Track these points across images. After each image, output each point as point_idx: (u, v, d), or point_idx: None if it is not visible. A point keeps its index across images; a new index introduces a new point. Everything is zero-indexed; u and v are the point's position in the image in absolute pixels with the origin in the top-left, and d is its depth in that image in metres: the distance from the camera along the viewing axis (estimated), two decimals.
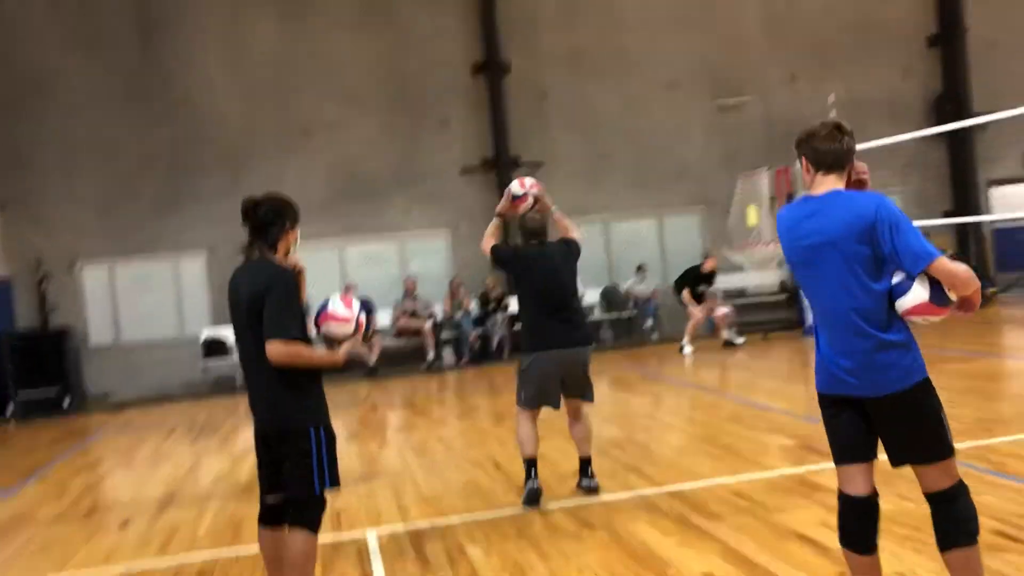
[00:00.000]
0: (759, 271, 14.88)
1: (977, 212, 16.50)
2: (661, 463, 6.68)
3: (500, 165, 15.63)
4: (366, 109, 15.49)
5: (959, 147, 16.82)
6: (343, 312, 4.06)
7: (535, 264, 5.92)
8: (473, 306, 15.02)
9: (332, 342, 4.11)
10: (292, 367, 3.81)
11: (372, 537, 5.45)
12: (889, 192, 16.36)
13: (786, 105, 16.63)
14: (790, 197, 14.63)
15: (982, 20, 16.90)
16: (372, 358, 14.17)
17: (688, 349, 13.24)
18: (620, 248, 16.32)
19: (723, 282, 15.82)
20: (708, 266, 13.61)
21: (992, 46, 17.07)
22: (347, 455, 8.10)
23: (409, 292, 14.89)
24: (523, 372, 5.85)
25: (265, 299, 3.74)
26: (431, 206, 15.80)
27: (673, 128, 16.36)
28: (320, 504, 3.96)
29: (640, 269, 15.74)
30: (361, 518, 5.93)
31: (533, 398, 5.83)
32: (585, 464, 6.05)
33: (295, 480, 3.86)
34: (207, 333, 14.51)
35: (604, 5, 16.20)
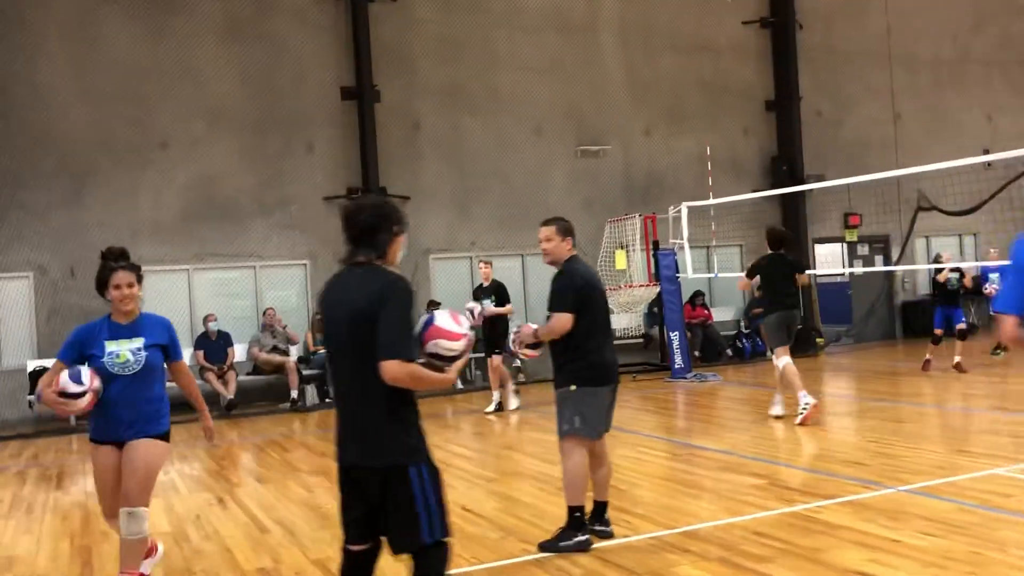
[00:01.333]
0: (626, 314, 15.13)
1: (807, 267, 17.72)
2: (644, 504, 6.45)
3: (366, 195, 15.01)
4: (230, 126, 14.40)
5: (791, 206, 18.07)
6: (455, 328, 3.49)
7: (601, 296, 5.68)
8: None
9: (439, 362, 3.51)
10: (408, 388, 3.31)
11: None
12: (732, 245, 17.28)
13: (642, 156, 17.25)
14: (656, 244, 15.11)
15: (812, 90, 18.38)
16: (228, 394, 13.02)
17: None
18: None
19: None
20: None
21: (818, 114, 18.60)
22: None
23: (269, 325, 13.87)
24: (590, 399, 5.44)
25: (380, 313, 3.27)
26: (291, 234, 14.87)
27: (538, 170, 16.44)
28: (442, 555, 3.41)
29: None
30: None
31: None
32: (603, 508, 5.72)
33: (399, 529, 3.34)
34: (34, 365, 12.76)
35: (480, 43, 16.11)
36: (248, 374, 13.76)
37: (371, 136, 15.08)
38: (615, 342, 15.68)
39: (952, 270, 13.38)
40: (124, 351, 4.74)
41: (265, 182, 14.66)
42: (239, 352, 13.77)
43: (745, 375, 14.57)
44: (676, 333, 13.98)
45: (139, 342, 4.77)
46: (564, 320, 5.38)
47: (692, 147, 17.54)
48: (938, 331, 13.34)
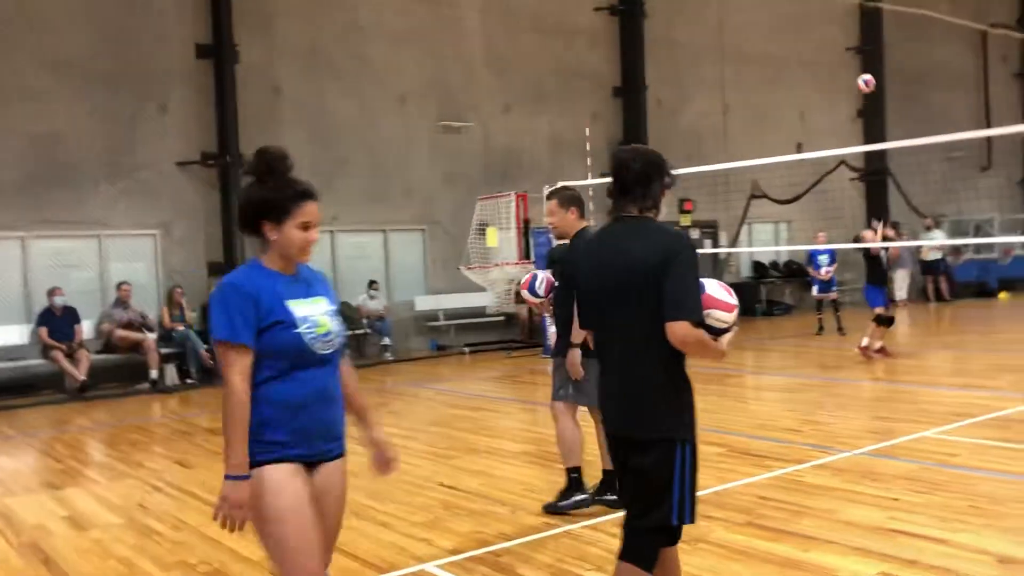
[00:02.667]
0: (494, 291, 15.15)
1: None
2: None
3: (224, 161, 14.06)
4: (77, 82, 12.96)
5: None
6: (728, 299, 3.23)
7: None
8: (194, 318, 13.26)
9: (710, 334, 3.17)
10: (684, 353, 3.10)
11: None
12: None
13: (501, 134, 17.30)
14: (527, 222, 15.22)
15: (654, 79, 19.14)
16: (81, 375, 11.82)
17: None
18: (347, 262, 15.55)
19: (460, 301, 15.98)
20: None
21: (659, 103, 19.43)
22: None
23: (123, 300, 12.68)
24: (590, 370, 5.36)
25: (667, 270, 3.02)
26: (141, 201, 13.66)
27: (403, 144, 16.08)
28: (672, 539, 3.24)
29: (372, 285, 15.16)
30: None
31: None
32: (611, 476, 5.71)
33: (648, 503, 3.15)
34: None
35: (343, 6, 15.45)
36: (98, 352, 12.53)
37: (230, 99, 14.13)
38: (482, 320, 15.99)
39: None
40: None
41: (113, 143, 13.36)
42: (87, 329, 12.51)
43: None
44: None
45: None
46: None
47: (548, 128, 17.82)
48: (880, 310, 12.01)
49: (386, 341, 14.79)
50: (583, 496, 5.60)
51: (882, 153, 20.69)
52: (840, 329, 15.12)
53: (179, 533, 5.56)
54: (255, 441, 2.79)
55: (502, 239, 14.94)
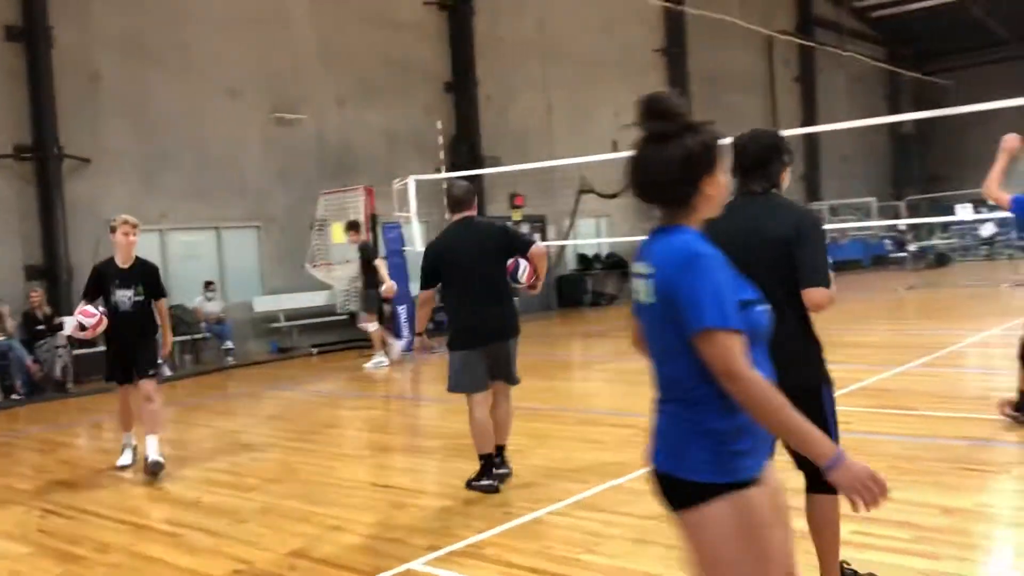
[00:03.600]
0: (341, 289, 14.70)
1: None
2: (592, 465, 6.53)
3: (40, 155, 12.79)
4: None
5: (479, 187, 18.79)
6: None
7: (457, 261, 6.01)
8: (15, 327, 11.97)
9: None
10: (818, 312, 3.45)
11: None
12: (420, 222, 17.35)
13: (336, 128, 16.82)
14: (373, 218, 14.89)
15: (484, 75, 19.27)
16: None
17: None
18: (178, 262, 14.56)
19: (302, 301, 15.42)
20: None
21: (488, 99, 19.59)
22: None
23: None
24: (455, 361, 5.86)
25: (801, 242, 3.38)
26: None
27: (233, 138, 15.26)
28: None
29: (209, 286, 14.30)
30: None
31: None
32: (499, 451, 5.96)
33: None
34: None
35: None
36: None
37: (45, 86, 12.88)
38: (327, 319, 15.38)
39: None
40: None
41: None
42: None
43: None
44: (404, 307, 13.94)
45: None
46: (421, 295, 5.93)
47: (382, 122, 17.54)
48: None
49: (228, 345, 14.00)
50: (487, 482, 5.74)
51: None
52: None
53: (109, 555, 5.01)
54: (728, 454, 2.22)
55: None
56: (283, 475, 6.63)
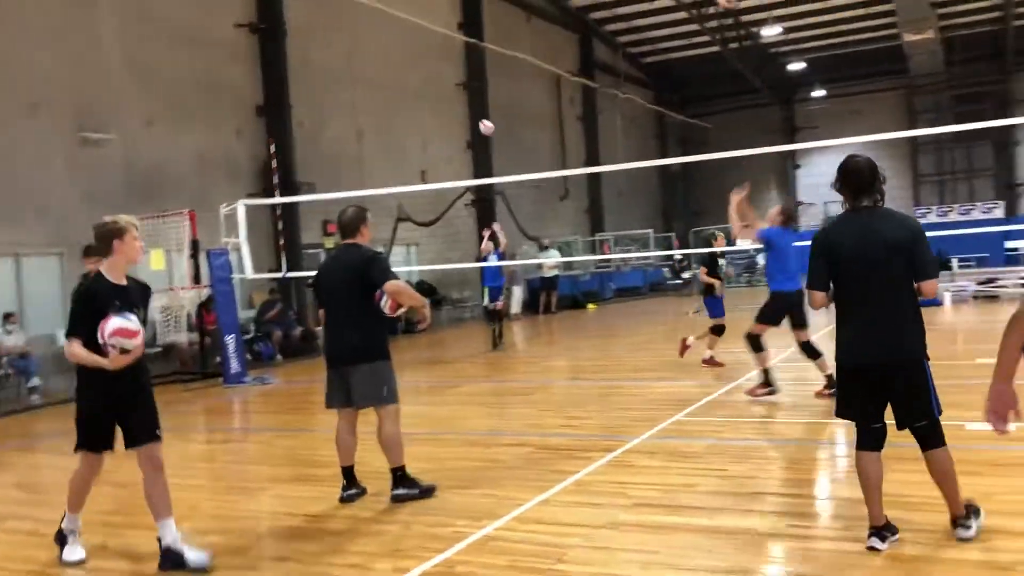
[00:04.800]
0: (163, 319, 13.88)
1: (300, 269, 18.23)
2: (506, 483, 6.66)
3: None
4: None
5: (286, 214, 18.34)
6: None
7: (327, 282, 6.46)
8: None
9: None
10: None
11: None
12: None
13: (145, 149, 15.94)
14: (195, 243, 14.19)
15: (296, 100, 18.94)
16: None
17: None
18: None
19: None
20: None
21: (301, 125, 19.25)
22: None
23: None
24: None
25: (914, 244, 4.43)
26: None
27: (35, 157, 14.08)
28: (940, 427, 4.50)
29: (9, 318, 13.05)
30: None
31: None
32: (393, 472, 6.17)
33: (918, 409, 4.46)
34: None
35: None
36: None
37: None
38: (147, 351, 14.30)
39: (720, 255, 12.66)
40: None
41: None
42: None
43: (295, 374, 14.52)
44: (232, 336, 13.39)
45: None
46: (320, 314, 6.50)
47: (193, 144, 16.85)
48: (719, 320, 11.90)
49: (34, 382, 12.82)
50: (404, 491, 6.07)
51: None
52: (500, 336, 16.16)
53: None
54: None
55: (172, 262, 13.82)
56: (186, 512, 6.30)
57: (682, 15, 28.59)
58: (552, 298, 24.25)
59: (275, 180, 17.96)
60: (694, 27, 29.50)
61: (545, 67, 26.98)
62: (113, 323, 4.87)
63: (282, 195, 17.42)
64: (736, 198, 8.81)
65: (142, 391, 5.17)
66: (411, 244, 22.70)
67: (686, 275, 29.01)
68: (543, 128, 29.37)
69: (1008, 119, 23.69)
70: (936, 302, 6.10)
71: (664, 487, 6.07)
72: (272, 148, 18.18)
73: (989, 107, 32.26)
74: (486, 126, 14.66)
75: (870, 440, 4.53)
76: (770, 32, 30.57)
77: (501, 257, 16.56)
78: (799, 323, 8.94)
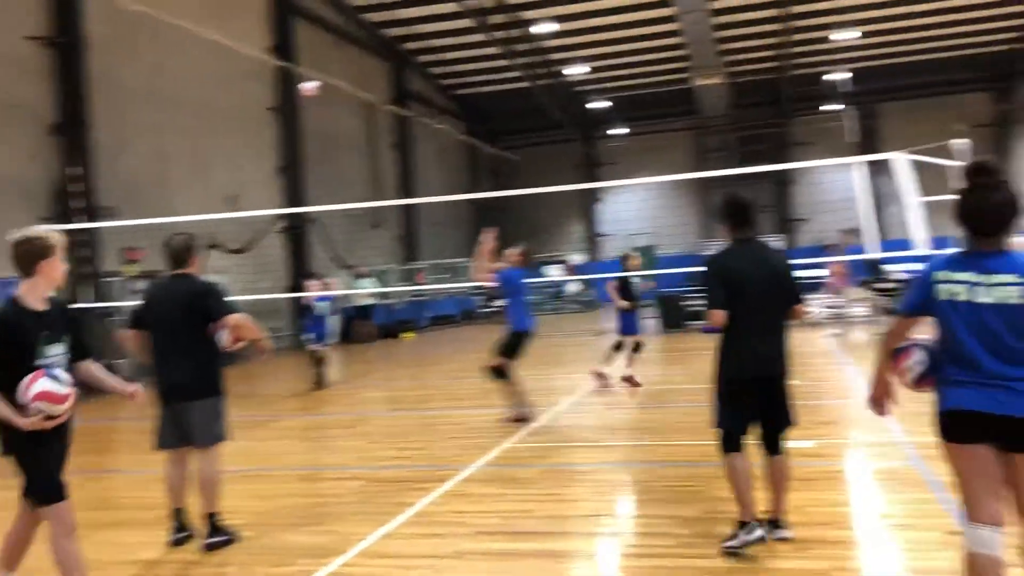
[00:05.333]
0: None
1: (104, 300, 17.14)
2: (348, 518, 6.54)
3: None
4: None
5: (91, 241, 17.14)
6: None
7: (156, 314, 6.09)
8: None
9: None
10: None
11: None
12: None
13: None
14: None
15: (97, 119, 17.83)
16: None
17: None
18: None
19: None
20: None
21: (99, 144, 18.11)
22: None
23: None
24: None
25: (789, 273, 5.15)
26: None
27: None
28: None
29: None
30: None
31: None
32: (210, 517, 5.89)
33: (786, 417, 5.11)
34: None
35: None
36: None
37: None
38: None
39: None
40: None
41: None
42: None
43: (91, 412, 13.55)
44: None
45: None
46: (121, 335, 6.42)
47: None
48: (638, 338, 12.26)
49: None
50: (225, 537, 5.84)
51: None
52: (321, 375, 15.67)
53: None
54: None
55: None
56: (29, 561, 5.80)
57: (493, 50, 29.36)
58: (369, 327, 24.06)
59: (70, 205, 16.83)
60: (504, 62, 30.35)
61: (359, 94, 26.90)
62: (40, 385, 4.18)
63: (81, 220, 16.34)
64: (487, 244, 9.58)
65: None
66: (222, 272, 21.84)
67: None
68: (357, 155, 29.18)
69: (783, 163, 25.86)
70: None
71: (503, 514, 6.21)
72: (68, 171, 17.06)
73: (769, 148, 35.08)
74: (307, 89, 13.79)
75: (739, 445, 5.03)
76: (576, 71, 31.89)
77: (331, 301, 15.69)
78: (516, 354, 9.77)
